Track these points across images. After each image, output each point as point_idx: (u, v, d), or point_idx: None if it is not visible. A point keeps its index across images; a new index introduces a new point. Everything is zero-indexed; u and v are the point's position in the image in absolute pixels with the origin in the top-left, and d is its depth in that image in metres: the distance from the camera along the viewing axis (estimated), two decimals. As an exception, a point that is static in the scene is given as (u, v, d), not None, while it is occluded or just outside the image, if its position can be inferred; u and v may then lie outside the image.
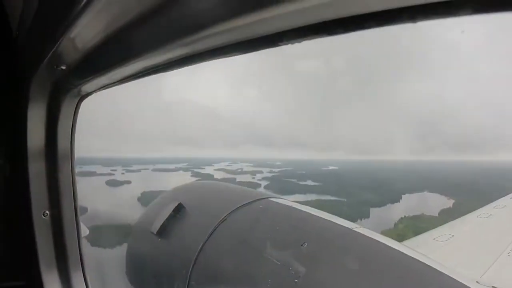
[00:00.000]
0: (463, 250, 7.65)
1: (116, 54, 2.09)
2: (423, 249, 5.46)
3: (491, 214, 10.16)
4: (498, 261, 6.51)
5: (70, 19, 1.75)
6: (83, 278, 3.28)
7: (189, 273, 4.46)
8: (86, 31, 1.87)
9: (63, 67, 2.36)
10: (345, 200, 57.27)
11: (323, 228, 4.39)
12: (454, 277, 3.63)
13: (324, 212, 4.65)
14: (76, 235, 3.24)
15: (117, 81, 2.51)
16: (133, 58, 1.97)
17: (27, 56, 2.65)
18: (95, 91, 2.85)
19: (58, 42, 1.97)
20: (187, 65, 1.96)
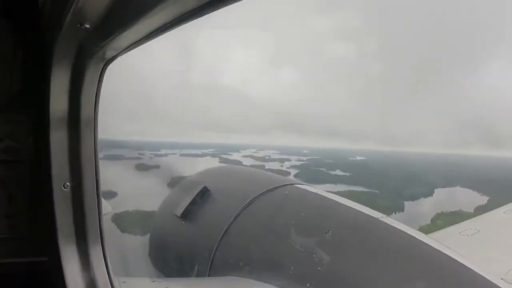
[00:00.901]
0: (488, 245, 7.35)
1: (137, 5, 2.05)
2: (448, 242, 5.48)
3: None
4: None
5: None
6: (102, 253, 3.28)
7: (212, 256, 4.60)
8: None
9: (87, 25, 2.34)
10: (377, 192, 56.60)
11: (348, 216, 4.45)
12: (479, 272, 3.68)
13: (350, 200, 4.72)
14: (97, 209, 3.22)
15: (141, 39, 2.47)
16: (153, 8, 1.93)
17: (51, 19, 2.62)
18: (120, 53, 2.81)
19: None
20: (210, 11, 1.92)
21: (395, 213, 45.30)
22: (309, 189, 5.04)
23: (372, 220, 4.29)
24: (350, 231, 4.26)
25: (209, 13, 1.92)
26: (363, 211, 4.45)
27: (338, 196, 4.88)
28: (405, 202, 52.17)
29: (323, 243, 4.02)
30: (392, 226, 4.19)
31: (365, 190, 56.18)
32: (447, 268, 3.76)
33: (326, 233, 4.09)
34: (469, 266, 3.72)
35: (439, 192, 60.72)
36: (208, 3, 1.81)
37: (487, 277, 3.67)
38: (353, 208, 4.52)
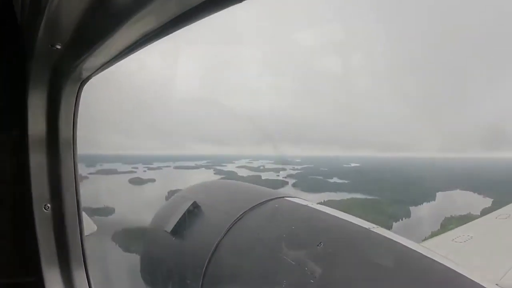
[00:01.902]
0: (482, 251, 7.63)
1: (107, 21, 2.06)
2: (441, 250, 5.54)
3: (510, 215, 10.09)
4: None
5: None
6: (85, 275, 3.31)
7: (203, 271, 4.62)
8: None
9: (58, 46, 2.37)
10: (379, 198, 56.28)
11: (339, 228, 4.50)
12: (473, 279, 3.71)
13: (341, 212, 4.76)
14: (79, 230, 3.25)
15: (115, 56, 2.51)
16: (126, 22, 1.94)
17: (26, 39, 2.64)
18: (94, 72, 2.86)
19: (45, 13, 1.98)
20: (185, 24, 1.94)
21: (402, 220, 45.03)
22: (299, 202, 5.12)
23: (363, 231, 4.34)
24: (341, 242, 4.30)
25: (184, 26, 1.97)
26: (353, 222, 4.50)
27: (328, 208, 4.93)
28: (410, 208, 51.85)
29: (315, 256, 4.05)
30: (384, 236, 4.25)
31: (368, 197, 55.87)
32: (441, 277, 3.80)
33: (317, 245, 4.13)
34: (463, 274, 3.76)
35: (441, 196, 60.44)
36: (181, 17, 1.86)
37: (482, 284, 3.70)
38: (343, 219, 4.58)
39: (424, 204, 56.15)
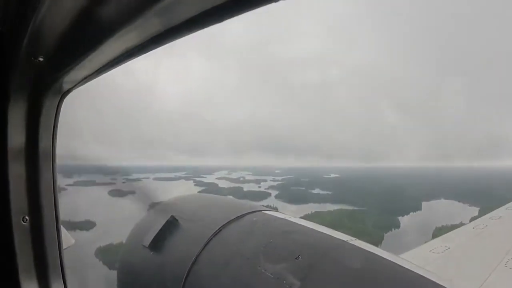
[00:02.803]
0: (459, 261, 7.89)
1: (91, 35, 2.13)
2: (419, 261, 5.77)
3: (486, 225, 10.52)
4: (494, 273, 6.69)
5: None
6: None
7: (181, 286, 4.66)
8: (55, 10, 1.97)
9: (41, 59, 2.45)
10: (366, 209, 56.72)
11: (317, 241, 4.56)
12: None
13: (318, 225, 4.90)
14: (57, 243, 3.29)
15: (98, 70, 2.59)
16: (110, 37, 2.02)
17: (7, 50, 2.64)
18: (76, 85, 2.92)
19: (30, 25, 2.07)
20: (169, 41, 2.02)
21: (392, 230, 45.34)
22: (277, 215, 5.22)
23: (341, 244, 4.42)
24: (320, 255, 4.33)
25: (167, 43, 2.06)
26: (331, 234, 4.61)
27: (307, 221, 5.05)
28: (399, 218, 52.19)
29: (294, 269, 4.11)
30: (362, 248, 4.34)
31: (355, 208, 56.20)
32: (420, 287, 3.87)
33: (296, 258, 4.20)
34: (441, 284, 3.83)
35: (426, 206, 61.33)
36: (164, 34, 1.95)
37: None
38: (321, 232, 4.68)
39: (411, 214, 56.76)
